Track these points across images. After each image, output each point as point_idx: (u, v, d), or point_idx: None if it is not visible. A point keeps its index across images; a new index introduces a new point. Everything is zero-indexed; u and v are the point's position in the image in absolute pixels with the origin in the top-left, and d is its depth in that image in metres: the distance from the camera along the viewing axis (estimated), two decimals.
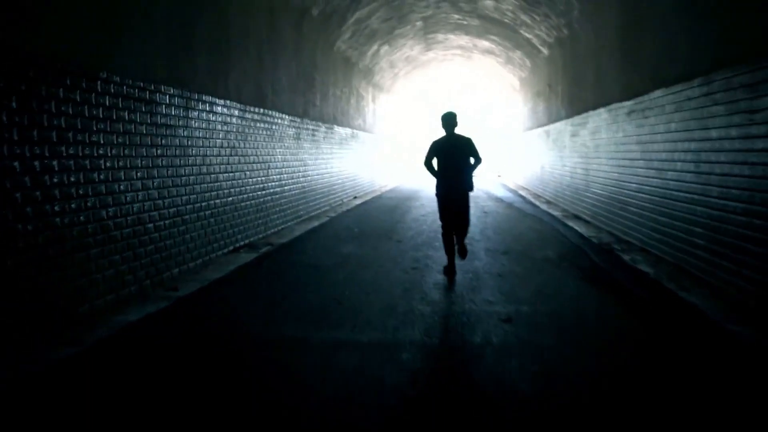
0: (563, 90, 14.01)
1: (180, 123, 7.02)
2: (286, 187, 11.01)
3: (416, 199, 16.73)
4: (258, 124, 9.63)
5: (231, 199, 8.49)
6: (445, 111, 6.83)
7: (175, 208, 6.86)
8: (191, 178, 7.28)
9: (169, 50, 6.75)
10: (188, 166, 7.21)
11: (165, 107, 6.66)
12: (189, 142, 7.23)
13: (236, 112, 8.71)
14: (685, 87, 6.84)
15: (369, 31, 15.80)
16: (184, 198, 7.09)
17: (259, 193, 9.65)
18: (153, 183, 6.39)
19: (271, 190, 10.21)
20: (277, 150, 10.56)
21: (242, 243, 8.85)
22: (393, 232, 10.10)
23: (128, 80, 5.92)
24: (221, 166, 8.16)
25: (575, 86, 12.70)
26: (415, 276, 6.71)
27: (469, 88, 29.80)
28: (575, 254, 8.05)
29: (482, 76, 25.60)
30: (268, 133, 10.11)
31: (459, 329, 4.82)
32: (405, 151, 30.84)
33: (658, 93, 7.69)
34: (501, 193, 18.94)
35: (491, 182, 24.93)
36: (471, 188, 6.80)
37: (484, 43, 19.37)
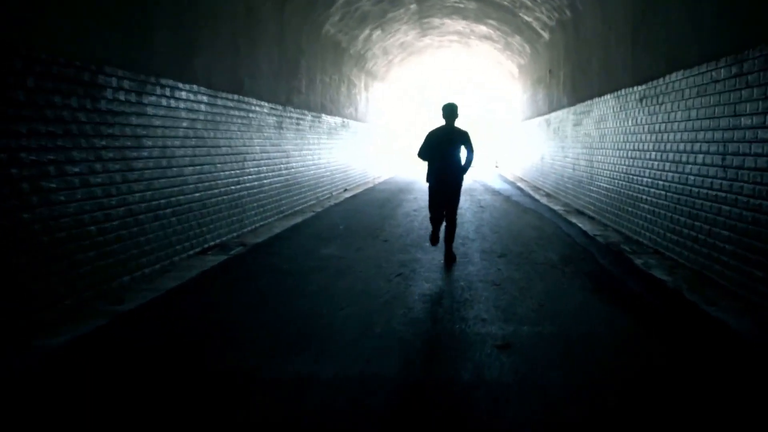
0: (565, 76, 13.09)
1: (132, 110, 6.11)
2: (265, 181, 10.11)
3: (409, 191, 15.84)
4: (232, 112, 8.72)
5: (198, 195, 7.60)
6: (446, 102, 6.87)
7: (125, 207, 5.97)
8: (147, 172, 6.38)
9: (118, 26, 5.82)
10: (143, 158, 6.32)
11: (112, 91, 5.74)
12: (144, 132, 6.33)
13: (205, 99, 7.80)
14: (709, 68, 5.93)
15: (360, 13, 14.84)
16: (137, 195, 6.20)
17: (234, 187, 8.76)
18: (96, 179, 5.50)
19: (248, 184, 9.31)
20: (255, 140, 9.66)
21: (212, 243, 7.97)
22: (380, 230, 9.22)
23: (60, 59, 5.02)
24: (186, 159, 7.26)
25: (579, 72, 11.78)
26: (399, 285, 5.83)
27: (467, 76, 28.82)
28: (580, 257, 7.18)
29: (480, 64, 24.64)
30: (245, 122, 9.20)
31: (445, 360, 3.94)
32: (400, 141, 29.91)
33: (675, 76, 6.79)
34: (498, 185, 18.05)
35: (488, 173, 24.03)
36: (462, 178, 6.95)
37: (482, 29, 18.41)
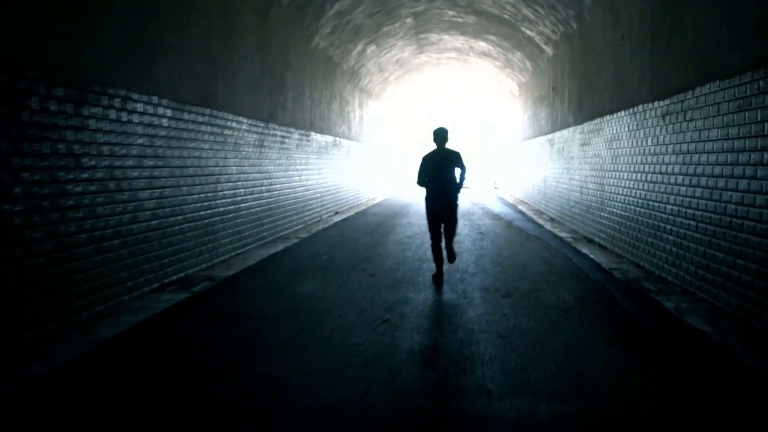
0: (571, 93, 12.14)
1: (68, 123, 5.10)
2: (243, 205, 9.07)
3: (403, 215, 14.80)
4: (203, 128, 7.71)
5: (157, 222, 6.56)
6: (436, 127, 7.20)
7: (56, 240, 4.92)
8: (87, 198, 5.34)
9: (47, 22, 4.83)
10: (82, 181, 5.29)
11: (39, 100, 4.74)
12: (84, 150, 5.31)
13: (168, 113, 6.79)
14: (756, 77, 4.94)
15: (352, 26, 13.95)
16: (73, 225, 5.16)
17: (204, 213, 7.72)
18: (13, 206, 4.46)
19: (222, 209, 8.28)
20: (231, 160, 8.64)
21: (174, 278, 6.91)
22: (368, 261, 8.16)
23: None
24: (142, 181, 6.23)
25: (586, 88, 10.83)
26: (384, 337, 4.77)
27: (465, 95, 27.99)
28: (599, 297, 6.12)
29: (479, 82, 23.79)
30: (219, 139, 8.19)
31: None
32: (396, 162, 28.98)
33: (709, 87, 5.80)
34: (498, 208, 17.02)
35: (487, 195, 23.02)
36: (457, 198, 7.12)
37: (482, 45, 17.54)
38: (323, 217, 14.06)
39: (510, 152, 23.67)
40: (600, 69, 9.84)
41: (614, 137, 8.97)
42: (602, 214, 9.57)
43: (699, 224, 6.00)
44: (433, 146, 7.19)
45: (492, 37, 16.18)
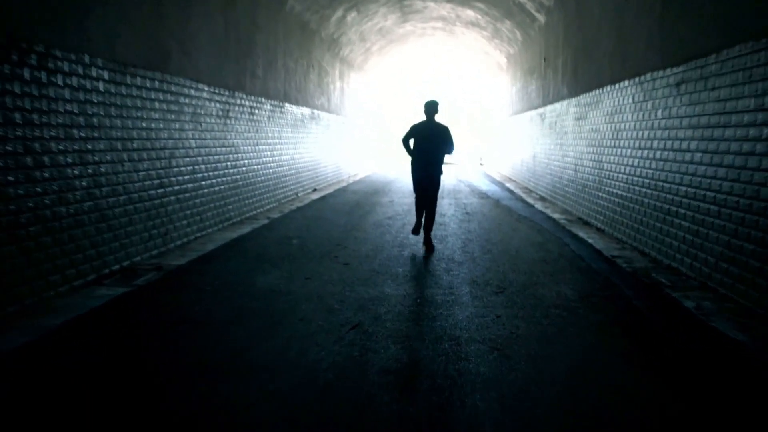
0: (565, 63, 11.19)
1: None
2: (204, 183, 8.07)
3: (385, 193, 13.84)
4: (153, 95, 6.67)
5: (92, 203, 5.56)
6: (428, 99, 7.32)
7: None
8: None
9: None
10: None
11: None
12: None
13: (105, 75, 5.75)
14: None
15: None
16: None
17: (155, 192, 6.72)
18: None
19: (177, 187, 7.28)
20: (189, 132, 7.61)
21: (116, 267, 5.94)
22: (343, 247, 7.23)
23: None
24: (69, 155, 5.22)
25: (583, 57, 9.88)
26: (353, 348, 3.86)
27: (451, 68, 26.90)
28: (605, 293, 5.26)
29: (465, 54, 22.71)
30: (173, 108, 7.16)
31: None
32: (380, 136, 27.93)
33: (739, 50, 4.89)
34: (485, 185, 16.13)
35: (473, 172, 22.12)
36: (441, 172, 7.34)
37: (469, 13, 16.47)
38: (299, 195, 13.07)
39: (497, 127, 22.73)
40: (599, 36, 8.89)
41: (615, 110, 8.06)
42: (600, 194, 8.71)
43: (722, 209, 5.14)
44: (423, 117, 7.37)
45: (480, 4, 15.11)
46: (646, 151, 6.92)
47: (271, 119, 11.09)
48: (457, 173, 20.77)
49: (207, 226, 8.16)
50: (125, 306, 4.84)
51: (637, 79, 7.25)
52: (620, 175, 7.81)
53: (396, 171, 21.80)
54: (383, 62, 23.21)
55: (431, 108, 7.26)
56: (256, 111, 10.22)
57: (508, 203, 11.89)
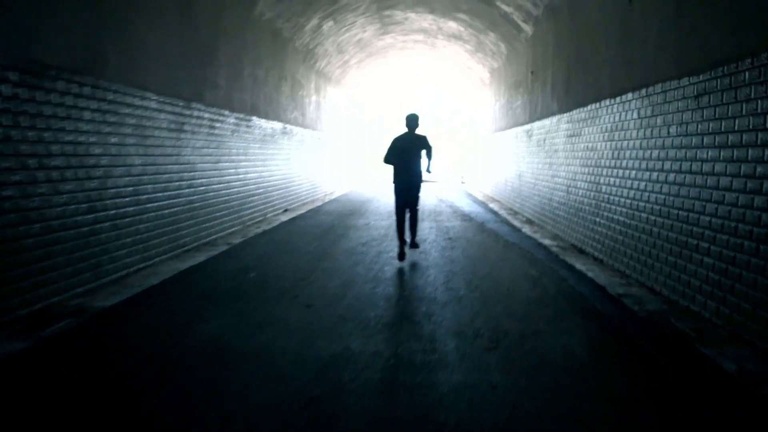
0: (555, 76, 10.34)
1: None
2: (150, 205, 6.99)
3: (362, 214, 12.81)
4: (82, 103, 5.60)
5: None
6: (409, 112, 7.64)
7: None
8: None
9: None
10: None
11: None
12: None
13: (11, 76, 4.68)
14: None
15: None
16: None
17: (82, 218, 5.63)
18: None
19: (114, 211, 6.18)
20: (131, 147, 6.54)
21: (25, 311, 4.82)
22: (308, 281, 6.18)
23: None
24: None
25: (577, 68, 9.02)
26: None
27: (433, 84, 26.11)
28: (622, 349, 4.27)
29: (447, 69, 21.92)
30: (110, 119, 6.08)
31: None
32: (358, 153, 26.98)
33: None
34: (468, 206, 15.19)
35: (454, 191, 21.21)
36: (421, 177, 7.67)
37: (451, 25, 15.65)
38: (268, 216, 12.00)
39: (479, 145, 21.89)
40: (596, 45, 8.02)
41: (616, 126, 7.17)
42: (597, 219, 7.79)
43: (763, 246, 4.20)
44: (404, 130, 7.68)
45: (463, 15, 14.29)
46: (655, 174, 6.00)
47: (236, 134, 10.05)
48: (438, 192, 19.84)
49: (153, 255, 7.06)
50: (7, 372, 3.73)
51: (644, 91, 6.35)
52: (622, 200, 6.89)
53: (374, 190, 20.82)
54: (362, 76, 22.32)
55: (412, 121, 7.64)
56: (218, 124, 9.18)
57: (494, 226, 10.94)
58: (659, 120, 5.97)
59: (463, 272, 6.72)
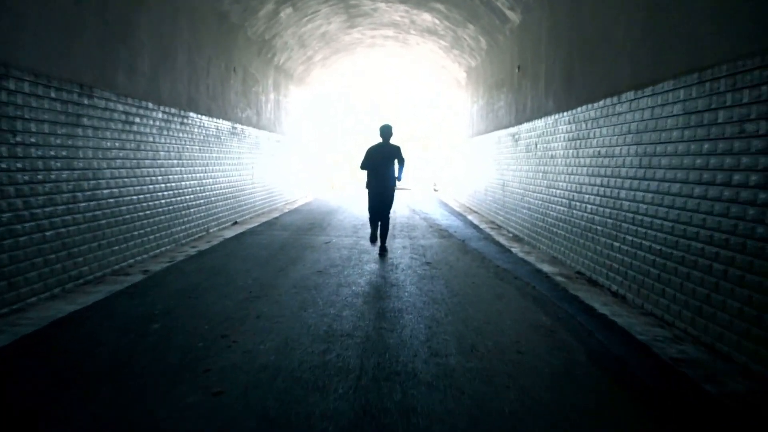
0: (551, 70, 8.61)
1: None
2: (18, 227, 4.97)
3: (322, 228, 10.89)
4: None
5: None
6: (382, 123, 8.20)
7: None
8: None
9: None
10: None
11: None
12: None
13: None
14: None
15: None
16: None
17: None
18: None
19: None
20: None
21: None
22: (228, 342, 4.21)
23: None
24: None
25: (581, 58, 7.29)
26: None
27: (404, 85, 24.33)
28: None
29: (420, 68, 20.16)
30: None
31: None
32: (323, 159, 25.02)
33: None
34: (444, 218, 13.38)
35: (427, 199, 19.41)
36: (395, 184, 8.13)
37: (425, 18, 13.87)
38: (211, 231, 10.00)
39: (454, 151, 20.16)
40: (609, 28, 6.30)
41: (646, 126, 5.43)
42: (616, 244, 6.03)
43: None
44: (379, 140, 8.10)
45: (439, 6, 12.53)
46: (717, 189, 4.25)
47: (166, 132, 8.05)
48: (410, 201, 18.02)
49: (24, 296, 5.03)
50: None
51: (695, 76, 4.62)
52: (657, 221, 5.14)
53: (341, 198, 18.90)
54: (328, 75, 20.39)
55: (385, 132, 8.06)
56: (138, 119, 7.18)
57: (478, 245, 9.14)
58: (721, 114, 4.23)
59: (451, 320, 4.87)
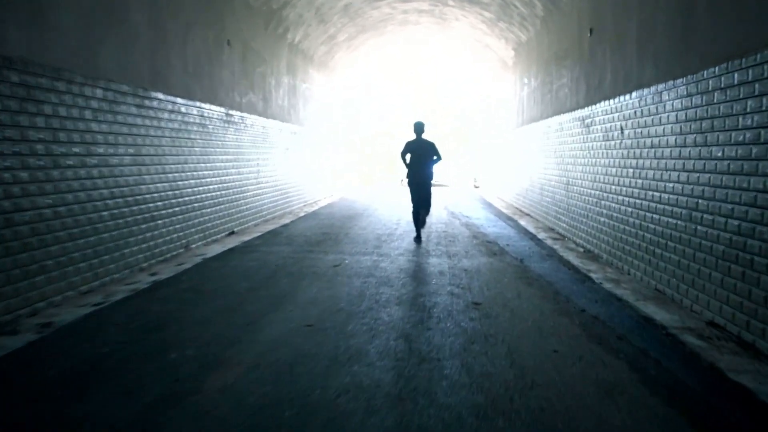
0: (648, 23, 5.98)
1: None
2: None
3: (337, 241, 8.47)
4: None
5: None
6: (415, 120, 8.62)
7: None
8: None
9: None
10: None
11: None
12: None
13: None
14: None
15: None
16: None
17: None
18: None
19: None
20: None
21: None
22: None
23: None
24: None
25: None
26: None
27: (443, 71, 21.74)
28: None
29: (459, 51, 17.57)
30: None
31: None
32: (350, 153, 22.67)
33: None
34: (490, 224, 10.80)
35: (468, 198, 16.83)
36: (432, 178, 8.65)
37: None
38: (192, 246, 7.71)
39: (499, 142, 17.49)
40: None
41: None
42: None
43: None
44: (413, 136, 8.62)
45: None
46: None
47: (111, 117, 5.76)
48: (448, 201, 15.49)
49: None
50: None
51: None
52: None
53: (370, 196, 16.51)
54: (355, 59, 17.95)
55: (419, 128, 8.53)
56: (56, 99, 4.90)
57: (542, 269, 6.59)
58: None
59: None
